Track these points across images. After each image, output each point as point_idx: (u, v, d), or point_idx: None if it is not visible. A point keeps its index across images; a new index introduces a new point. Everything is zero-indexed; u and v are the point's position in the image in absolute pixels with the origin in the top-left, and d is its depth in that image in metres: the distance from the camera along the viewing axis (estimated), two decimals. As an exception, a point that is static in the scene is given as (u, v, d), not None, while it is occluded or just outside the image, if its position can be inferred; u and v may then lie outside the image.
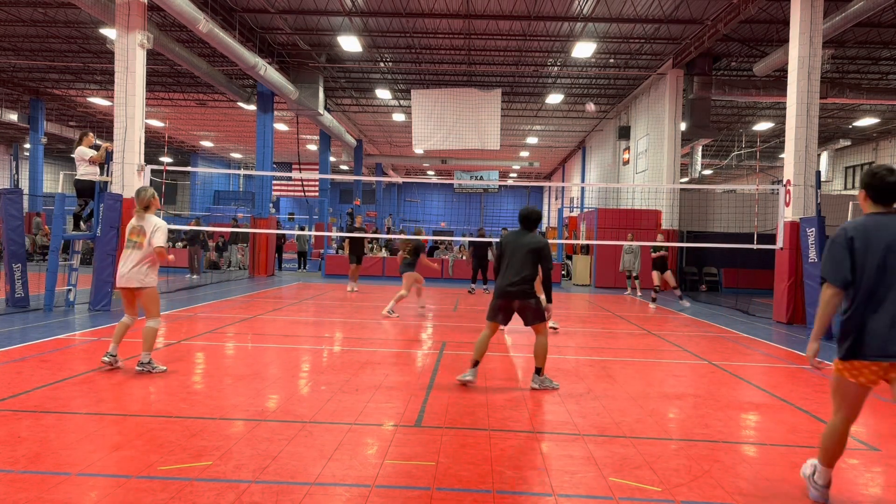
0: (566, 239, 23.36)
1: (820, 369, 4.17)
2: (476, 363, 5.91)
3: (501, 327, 6.11)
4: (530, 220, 5.96)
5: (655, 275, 14.12)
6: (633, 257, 16.77)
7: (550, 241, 18.59)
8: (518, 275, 5.70)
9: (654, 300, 14.06)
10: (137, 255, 5.97)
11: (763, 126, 26.96)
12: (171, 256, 6.53)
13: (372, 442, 4.24)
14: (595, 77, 21.92)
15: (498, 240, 16.78)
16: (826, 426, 3.54)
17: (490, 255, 16.47)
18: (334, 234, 23.34)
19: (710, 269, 19.47)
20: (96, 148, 10.94)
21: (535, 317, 5.80)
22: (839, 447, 3.38)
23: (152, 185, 13.19)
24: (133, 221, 6.11)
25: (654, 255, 14.20)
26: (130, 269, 5.95)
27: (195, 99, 26.28)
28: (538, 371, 5.87)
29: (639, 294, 16.80)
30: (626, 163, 24.14)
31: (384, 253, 21.64)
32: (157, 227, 6.02)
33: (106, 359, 6.01)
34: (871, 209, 3.31)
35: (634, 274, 16.91)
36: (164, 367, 6.08)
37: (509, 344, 8.47)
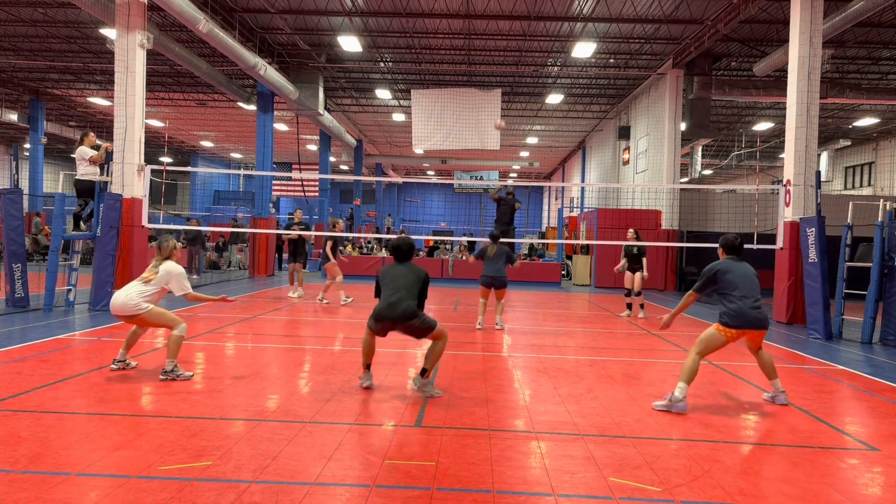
0: (566, 239, 23.36)
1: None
2: (370, 366, 5.82)
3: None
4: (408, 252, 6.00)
5: (629, 276, 12.04)
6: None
7: (550, 240, 18.39)
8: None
9: (629, 306, 12.18)
10: (138, 287, 5.84)
11: (763, 126, 26.97)
12: (228, 298, 6.45)
13: (372, 442, 4.24)
14: (595, 77, 21.93)
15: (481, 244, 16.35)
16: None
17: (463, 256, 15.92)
18: (334, 234, 23.30)
19: (710, 269, 19.44)
20: (97, 148, 10.95)
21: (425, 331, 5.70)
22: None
23: (152, 184, 13.20)
24: (151, 265, 6.06)
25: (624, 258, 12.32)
26: (125, 295, 5.76)
27: (195, 99, 26.28)
28: (424, 373, 5.63)
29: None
30: (626, 163, 24.14)
31: (384, 252, 21.63)
32: (174, 273, 5.94)
33: (114, 366, 5.96)
34: (727, 257, 5.77)
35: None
36: (191, 374, 5.88)
37: (508, 344, 8.47)
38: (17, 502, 3.13)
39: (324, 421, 4.66)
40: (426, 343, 5.97)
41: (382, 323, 5.60)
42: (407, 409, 5.04)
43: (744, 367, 7.35)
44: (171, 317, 5.92)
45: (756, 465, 4.05)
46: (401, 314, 5.51)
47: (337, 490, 3.44)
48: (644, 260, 11.89)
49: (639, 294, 11.93)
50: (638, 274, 11.84)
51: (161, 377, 5.71)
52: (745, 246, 13.40)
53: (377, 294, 5.85)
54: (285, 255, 25.65)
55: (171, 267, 6.01)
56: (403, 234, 6.00)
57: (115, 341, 7.55)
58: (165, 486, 3.38)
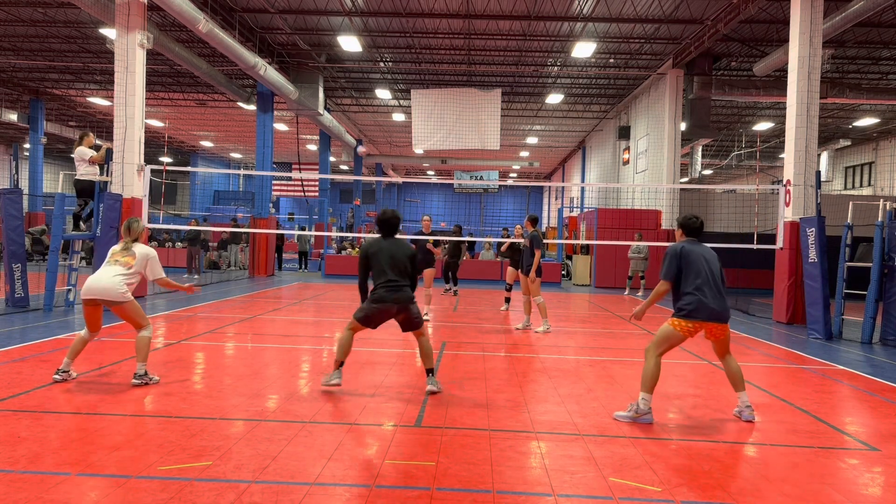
0: (566, 239, 23.36)
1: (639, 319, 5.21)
2: (342, 363, 5.52)
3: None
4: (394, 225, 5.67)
5: (512, 271, 12.06)
6: (640, 258, 16.69)
7: (550, 241, 18.29)
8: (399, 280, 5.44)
9: (507, 300, 12.27)
10: (120, 270, 5.51)
11: (763, 126, 26.96)
12: (195, 287, 6.39)
13: (372, 442, 4.24)
14: (595, 77, 21.93)
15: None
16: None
17: (462, 255, 15.48)
18: (334, 234, 23.35)
19: (710, 269, 19.43)
20: (96, 148, 10.95)
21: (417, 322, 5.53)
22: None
23: (152, 184, 13.20)
24: (118, 247, 5.77)
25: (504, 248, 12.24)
26: (110, 279, 5.44)
27: (195, 99, 26.28)
28: (432, 371, 5.58)
29: (639, 294, 16.80)
30: (626, 163, 24.14)
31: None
32: (150, 256, 5.72)
33: (58, 376, 5.49)
34: (686, 239, 5.33)
35: (640, 274, 16.88)
36: (158, 378, 5.65)
37: (508, 343, 8.47)
38: (17, 502, 3.13)
39: (324, 421, 4.66)
40: (410, 340, 5.99)
41: (382, 309, 5.29)
42: (407, 409, 5.04)
43: (744, 367, 7.32)
44: (143, 314, 5.67)
45: (756, 465, 4.05)
46: (405, 300, 5.30)
47: (337, 490, 3.43)
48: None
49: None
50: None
51: (134, 381, 5.44)
52: (745, 246, 13.46)
53: (364, 277, 5.50)
54: (285, 256, 25.75)
55: (146, 249, 5.78)
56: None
57: (115, 341, 7.55)
58: (165, 486, 3.38)
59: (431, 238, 10.56)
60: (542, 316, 9.61)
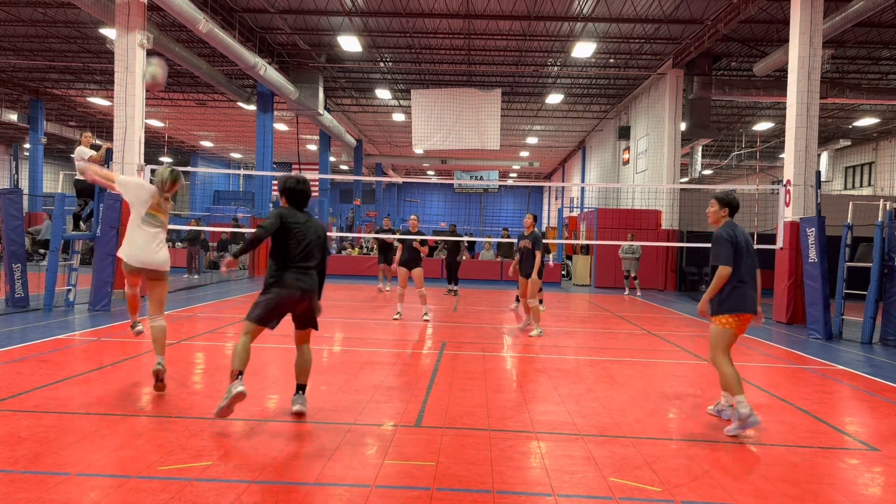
0: (566, 239, 23.36)
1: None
2: (242, 373, 4.54)
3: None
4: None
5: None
6: (633, 258, 16.78)
7: (551, 241, 18.26)
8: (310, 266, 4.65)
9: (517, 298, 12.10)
10: (162, 235, 5.29)
11: (763, 126, 26.96)
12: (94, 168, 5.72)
13: (372, 442, 4.24)
14: (595, 77, 21.93)
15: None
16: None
17: (461, 255, 15.75)
18: (334, 234, 23.35)
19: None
20: (96, 148, 10.95)
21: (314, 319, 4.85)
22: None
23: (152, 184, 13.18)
24: (154, 198, 5.29)
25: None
26: (164, 253, 5.23)
27: (195, 99, 26.28)
28: (304, 389, 4.82)
29: (638, 294, 16.80)
30: (626, 163, 24.14)
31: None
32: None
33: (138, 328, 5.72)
34: (728, 219, 4.98)
35: (633, 274, 16.93)
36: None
37: (508, 344, 8.47)
38: (17, 502, 3.13)
39: (324, 421, 4.66)
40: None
41: (287, 297, 4.49)
42: (407, 409, 5.04)
43: (743, 368, 7.35)
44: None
45: (756, 465, 4.05)
46: (313, 287, 4.59)
47: (337, 490, 3.44)
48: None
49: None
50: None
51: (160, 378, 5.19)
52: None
53: (261, 241, 4.53)
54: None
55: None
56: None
57: (115, 341, 7.56)
58: (165, 486, 3.38)
59: (418, 238, 10.56)
60: (534, 321, 9.17)
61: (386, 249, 14.77)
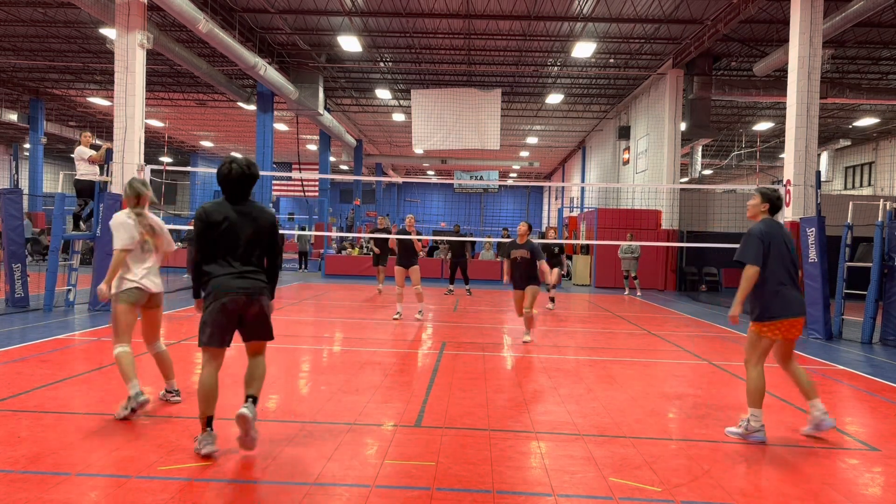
0: (566, 239, 23.36)
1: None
2: (212, 419, 3.88)
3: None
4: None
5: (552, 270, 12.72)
6: (632, 258, 16.78)
7: (550, 241, 18.49)
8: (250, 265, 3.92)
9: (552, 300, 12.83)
10: (156, 259, 4.85)
11: (763, 126, 26.96)
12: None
13: (372, 442, 4.24)
14: (595, 77, 21.93)
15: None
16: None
17: (468, 254, 15.93)
18: (334, 234, 23.36)
19: (710, 269, 19.47)
20: (95, 148, 10.95)
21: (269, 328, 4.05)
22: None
23: (152, 184, 13.18)
24: (134, 218, 4.77)
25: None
26: (157, 273, 4.83)
27: (195, 99, 26.28)
28: (254, 400, 3.92)
29: (638, 294, 16.80)
30: (626, 163, 24.14)
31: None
32: (166, 229, 5.02)
33: (143, 398, 4.59)
34: (767, 216, 4.67)
35: (633, 274, 16.93)
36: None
37: (508, 343, 8.47)
38: (17, 502, 3.13)
39: (324, 421, 4.66)
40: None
41: (229, 304, 3.76)
42: (407, 409, 5.04)
43: (743, 367, 7.34)
44: None
45: (756, 465, 4.05)
46: (255, 289, 3.83)
47: (337, 490, 3.43)
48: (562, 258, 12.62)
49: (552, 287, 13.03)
50: (556, 269, 12.91)
51: (175, 399, 4.99)
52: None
53: (203, 256, 3.86)
54: (285, 256, 25.75)
55: (160, 220, 4.97)
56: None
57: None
58: (165, 486, 3.38)
59: (415, 237, 10.59)
60: (527, 326, 8.56)
61: (383, 250, 14.62)
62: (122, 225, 4.73)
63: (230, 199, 3.91)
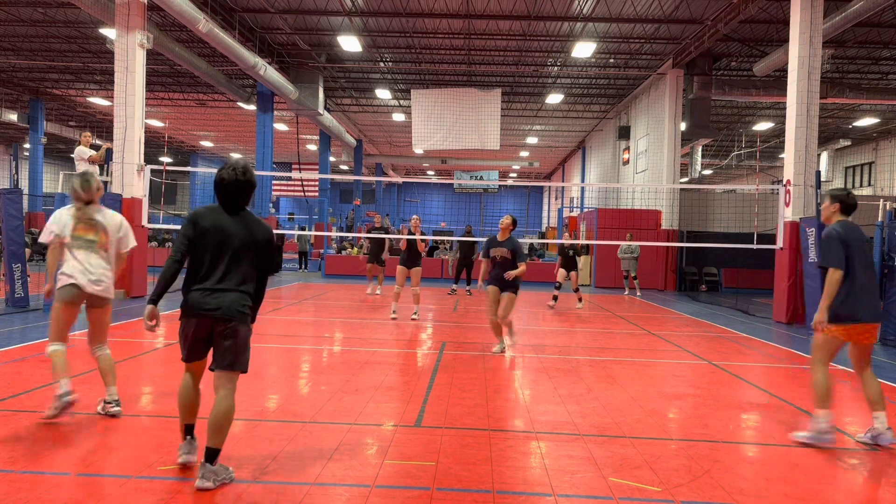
0: (566, 239, 23.34)
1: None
2: (191, 428, 3.66)
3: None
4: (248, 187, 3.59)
5: (563, 272, 13.30)
6: (632, 258, 16.78)
7: (550, 241, 18.21)
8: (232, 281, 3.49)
9: (554, 298, 13.14)
10: (96, 259, 4.47)
11: (763, 126, 26.97)
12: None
13: (372, 442, 4.24)
14: (595, 77, 21.93)
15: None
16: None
17: (476, 254, 16.00)
18: (334, 234, 23.36)
19: (710, 269, 19.48)
20: (95, 148, 10.96)
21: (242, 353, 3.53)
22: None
23: (152, 184, 13.19)
24: (76, 212, 4.47)
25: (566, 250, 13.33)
26: (101, 272, 4.47)
27: (195, 99, 26.29)
28: (214, 455, 3.41)
29: (638, 294, 16.80)
30: (626, 163, 24.14)
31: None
32: (126, 227, 4.69)
33: (69, 398, 4.33)
34: (841, 218, 4.57)
35: (633, 274, 16.93)
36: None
37: (508, 344, 8.46)
38: (17, 502, 3.13)
39: (324, 421, 4.66)
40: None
41: (198, 324, 3.43)
42: (407, 409, 5.04)
43: (744, 367, 7.35)
44: None
45: (756, 465, 4.05)
46: (227, 309, 3.40)
47: (337, 490, 3.43)
48: (580, 259, 13.25)
49: (576, 290, 13.53)
50: (573, 272, 13.34)
51: (114, 410, 4.48)
52: (745, 246, 13.44)
53: (177, 260, 3.44)
54: (285, 256, 25.74)
55: (115, 215, 4.69)
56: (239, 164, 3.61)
57: (114, 341, 7.54)
58: (165, 486, 3.38)
59: (419, 237, 10.60)
60: (498, 335, 7.65)
61: (377, 249, 14.03)
62: (52, 219, 4.51)
63: (224, 207, 3.57)
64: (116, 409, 4.50)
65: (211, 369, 3.54)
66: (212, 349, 3.51)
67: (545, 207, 49.37)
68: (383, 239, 14.02)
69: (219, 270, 3.45)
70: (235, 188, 3.52)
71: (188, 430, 3.63)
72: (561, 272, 13.39)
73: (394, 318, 10.28)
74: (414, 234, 10.69)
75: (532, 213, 52.04)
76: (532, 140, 34.20)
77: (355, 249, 22.70)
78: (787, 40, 12.32)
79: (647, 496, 3.48)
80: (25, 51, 20.60)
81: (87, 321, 4.60)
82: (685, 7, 15.28)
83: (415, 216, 11.14)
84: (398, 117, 28.72)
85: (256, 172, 15.52)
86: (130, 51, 12.08)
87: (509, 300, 7.41)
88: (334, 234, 23.62)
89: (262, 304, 3.70)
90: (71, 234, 4.45)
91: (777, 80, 17.45)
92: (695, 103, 18.31)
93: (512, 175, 48.18)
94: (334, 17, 17.00)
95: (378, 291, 14.50)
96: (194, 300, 3.42)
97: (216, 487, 3.34)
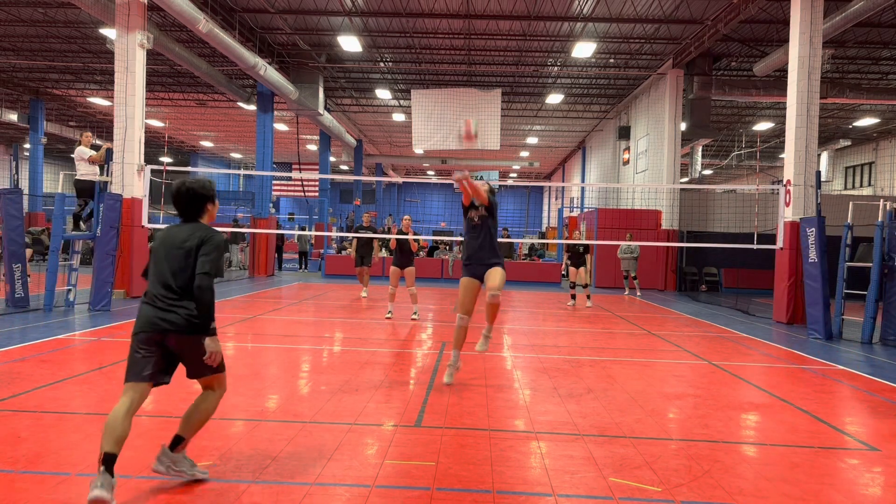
0: (566, 239, 23.35)
1: None
2: (109, 459, 3.10)
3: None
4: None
5: (573, 270, 13.51)
6: (632, 258, 16.79)
7: (550, 241, 18.32)
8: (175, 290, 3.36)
9: (573, 297, 13.66)
10: None
11: (763, 126, 26.96)
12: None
13: (372, 442, 4.24)
14: (595, 77, 21.93)
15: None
16: None
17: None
18: (334, 234, 23.36)
19: (710, 269, 19.49)
20: (96, 148, 10.95)
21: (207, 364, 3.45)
22: None
23: (152, 185, 13.19)
24: None
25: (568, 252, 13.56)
26: None
27: (195, 99, 26.28)
28: (177, 443, 3.47)
29: (638, 294, 16.80)
30: (626, 163, 24.14)
31: (384, 252, 21.61)
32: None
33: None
34: None
35: (633, 274, 16.94)
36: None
37: (508, 344, 8.47)
38: (17, 502, 3.13)
39: (324, 421, 4.66)
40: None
41: (147, 338, 3.30)
42: (407, 409, 5.04)
43: (744, 367, 7.35)
44: None
45: (756, 465, 4.05)
46: (173, 321, 3.28)
47: (337, 490, 3.43)
48: (587, 257, 13.53)
49: (585, 286, 13.76)
50: (582, 269, 13.40)
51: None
52: (746, 246, 13.43)
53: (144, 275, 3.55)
54: (285, 256, 25.74)
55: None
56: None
57: (115, 341, 7.56)
58: (165, 486, 3.38)
59: (412, 237, 10.60)
60: (490, 319, 6.19)
61: (364, 250, 13.40)
62: None
63: (184, 219, 3.54)
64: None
65: (190, 376, 3.63)
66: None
67: (545, 207, 49.36)
68: (371, 239, 13.44)
69: (160, 282, 3.41)
70: (184, 200, 3.52)
71: (106, 459, 3.09)
72: (574, 271, 13.39)
73: (389, 318, 10.29)
74: (406, 234, 10.70)
75: (532, 213, 52.04)
76: (532, 140, 34.19)
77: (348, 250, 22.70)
78: (787, 40, 12.32)
79: (647, 496, 3.48)
80: (25, 51, 20.60)
81: None
82: (685, 7, 15.28)
83: (406, 216, 11.14)
84: (398, 117, 28.72)
85: (256, 172, 15.63)
86: (130, 51, 12.08)
87: (500, 275, 5.92)
88: (334, 234, 23.61)
89: (215, 312, 3.47)
90: None
91: (777, 80, 17.45)
92: (695, 103, 18.32)
93: (512, 175, 48.17)
94: (334, 17, 16.99)
95: (364, 294, 13.76)
96: (141, 314, 3.44)
97: (182, 482, 3.34)
